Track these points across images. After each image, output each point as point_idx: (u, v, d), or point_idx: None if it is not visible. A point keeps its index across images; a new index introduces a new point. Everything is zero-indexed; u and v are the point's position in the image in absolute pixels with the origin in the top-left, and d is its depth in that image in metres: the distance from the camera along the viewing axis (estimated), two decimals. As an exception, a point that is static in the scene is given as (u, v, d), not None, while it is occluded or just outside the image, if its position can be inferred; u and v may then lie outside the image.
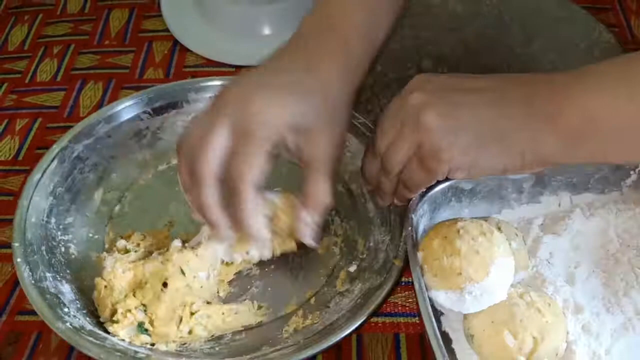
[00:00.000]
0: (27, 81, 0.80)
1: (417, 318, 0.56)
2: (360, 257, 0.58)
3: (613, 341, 0.48)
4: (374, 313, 0.50)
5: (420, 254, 0.49)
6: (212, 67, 0.79)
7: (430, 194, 0.51)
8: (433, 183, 0.48)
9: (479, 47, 0.67)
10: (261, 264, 0.58)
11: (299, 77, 0.47)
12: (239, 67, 0.78)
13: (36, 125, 0.74)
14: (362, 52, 0.50)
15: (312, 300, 0.56)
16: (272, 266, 0.58)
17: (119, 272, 0.52)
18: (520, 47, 0.67)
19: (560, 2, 0.72)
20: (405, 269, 0.52)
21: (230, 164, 0.45)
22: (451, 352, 0.48)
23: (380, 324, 0.56)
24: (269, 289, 0.57)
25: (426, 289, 0.47)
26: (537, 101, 0.42)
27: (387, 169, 0.48)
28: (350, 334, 0.49)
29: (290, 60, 0.49)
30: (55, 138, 0.72)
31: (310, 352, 0.48)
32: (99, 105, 0.76)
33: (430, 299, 0.48)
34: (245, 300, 0.55)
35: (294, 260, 0.58)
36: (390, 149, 0.47)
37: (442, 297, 0.48)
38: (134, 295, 0.52)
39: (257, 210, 0.47)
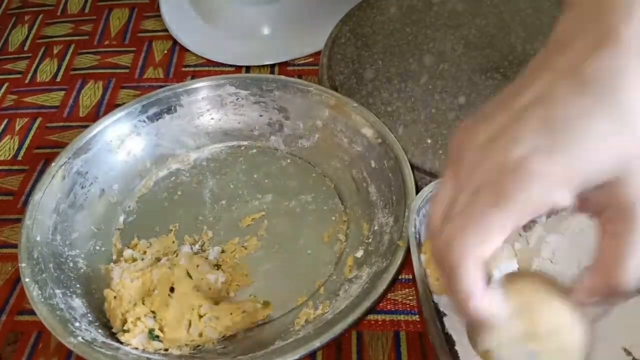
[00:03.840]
0: (27, 81, 0.80)
1: (417, 316, 0.56)
2: (366, 241, 0.58)
3: (617, 340, 0.48)
4: (382, 298, 0.50)
5: (423, 257, 0.49)
6: (212, 67, 0.79)
7: (433, 194, 0.51)
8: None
9: (480, 44, 0.67)
10: (267, 257, 0.58)
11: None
12: (238, 67, 0.78)
13: (36, 125, 0.74)
14: None
15: (322, 290, 0.56)
16: (279, 259, 0.58)
17: (127, 282, 0.53)
18: (520, 46, 0.67)
19: (560, 1, 0.71)
20: (406, 263, 0.51)
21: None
22: (454, 354, 0.48)
23: (380, 322, 0.56)
24: (278, 282, 0.57)
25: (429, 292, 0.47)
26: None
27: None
28: (358, 320, 0.49)
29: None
30: (54, 138, 0.72)
31: (320, 342, 0.48)
32: (99, 105, 0.76)
33: (433, 301, 0.47)
34: (251, 296, 0.55)
35: (300, 251, 0.59)
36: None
37: (445, 302, 0.47)
38: (143, 303, 0.52)
39: None
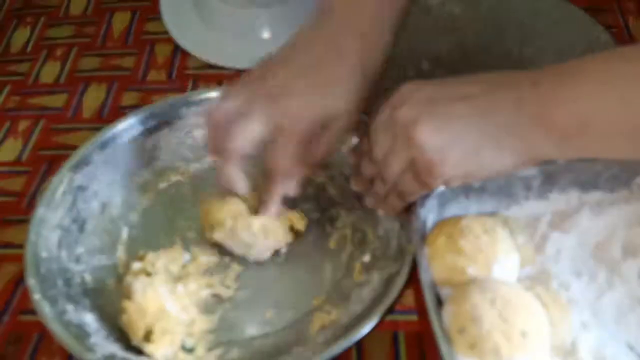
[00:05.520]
0: (30, 83, 0.80)
1: (416, 316, 0.56)
2: (372, 246, 0.58)
3: (618, 337, 0.48)
4: (396, 302, 0.51)
5: (426, 249, 0.49)
6: (214, 70, 0.79)
7: (438, 190, 0.51)
8: (427, 193, 0.49)
9: (477, 48, 0.67)
10: (274, 264, 0.59)
11: (327, 62, 0.51)
12: (239, 70, 0.79)
13: (39, 126, 0.74)
14: (389, 17, 0.54)
15: (333, 295, 0.56)
16: (287, 266, 0.59)
17: (149, 296, 0.53)
18: (518, 49, 0.67)
19: (558, 3, 0.72)
20: (410, 276, 0.52)
21: (267, 155, 0.53)
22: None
23: (379, 322, 0.56)
24: (288, 288, 0.57)
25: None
26: (525, 105, 0.42)
27: (385, 177, 0.49)
28: (377, 325, 0.49)
29: (315, 41, 0.53)
30: (58, 140, 0.73)
31: (339, 348, 0.48)
32: (102, 107, 0.76)
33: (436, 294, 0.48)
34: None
35: (308, 258, 0.59)
36: (386, 160, 0.47)
37: (446, 294, 0.48)
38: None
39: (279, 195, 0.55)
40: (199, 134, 0.66)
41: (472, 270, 0.47)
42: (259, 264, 0.59)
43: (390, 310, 0.51)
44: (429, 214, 0.52)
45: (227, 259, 0.59)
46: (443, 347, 0.42)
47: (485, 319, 0.43)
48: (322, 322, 0.54)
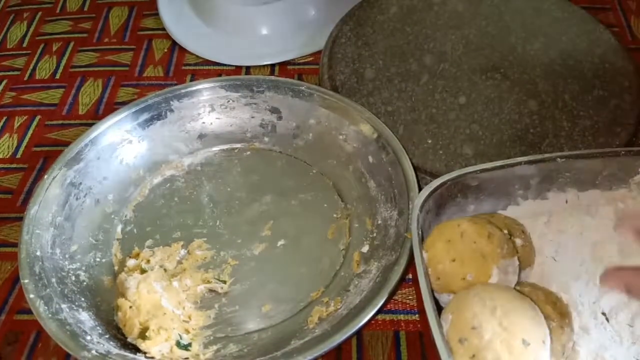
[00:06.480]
0: (26, 78, 0.79)
1: (417, 315, 0.56)
2: (371, 236, 0.58)
3: (618, 340, 0.48)
4: (395, 291, 0.50)
5: (425, 254, 0.49)
6: (212, 66, 0.79)
7: (436, 190, 0.51)
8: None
9: (480, 45, 0.67)
10: (273, 257, 0.58)
11: None
12: (238, 67, 0.78)
13: (35, 122, 0.74)
14: None
15: (331, 287, 0.56)
16: (286, 258, 0.58)
17: (143, 293, 0.52)
18: (521, 46, 0.67)
19: (560, 2, 0.72)
20: (408, 264, 0.52)
21: None
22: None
23: (380, 322, 0.56)
24: (286, 281, 0.57)
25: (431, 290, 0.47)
26: None
27: None
28: (375, 315, 0.49)
29: None
30: (53, 136, 0.72)
31: (339, 339, 0.48)
32: (98, 103, 0.75)
33: (435, 299, 0.48)
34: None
35: (306, 249, 0.59)
36: None
37: (446, 300, 0.48)
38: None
39: None
40: (192, 126, 0.66)
41: (471, 277, 0.47)
42: (255, 257, 0.58)
43: (390, 298, 0.50)
44: (426, 214, 0.51)
45: (222, 254, 0.59)
46: (444, 356, 0.42)
47: (485, 328, 0.43)
48: (320, 314, 0.53)
